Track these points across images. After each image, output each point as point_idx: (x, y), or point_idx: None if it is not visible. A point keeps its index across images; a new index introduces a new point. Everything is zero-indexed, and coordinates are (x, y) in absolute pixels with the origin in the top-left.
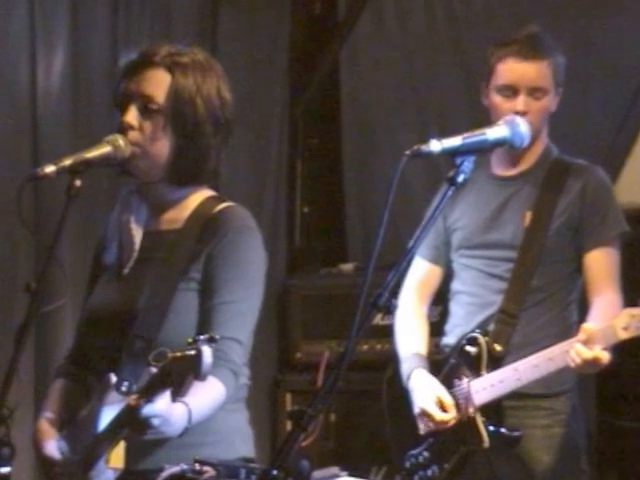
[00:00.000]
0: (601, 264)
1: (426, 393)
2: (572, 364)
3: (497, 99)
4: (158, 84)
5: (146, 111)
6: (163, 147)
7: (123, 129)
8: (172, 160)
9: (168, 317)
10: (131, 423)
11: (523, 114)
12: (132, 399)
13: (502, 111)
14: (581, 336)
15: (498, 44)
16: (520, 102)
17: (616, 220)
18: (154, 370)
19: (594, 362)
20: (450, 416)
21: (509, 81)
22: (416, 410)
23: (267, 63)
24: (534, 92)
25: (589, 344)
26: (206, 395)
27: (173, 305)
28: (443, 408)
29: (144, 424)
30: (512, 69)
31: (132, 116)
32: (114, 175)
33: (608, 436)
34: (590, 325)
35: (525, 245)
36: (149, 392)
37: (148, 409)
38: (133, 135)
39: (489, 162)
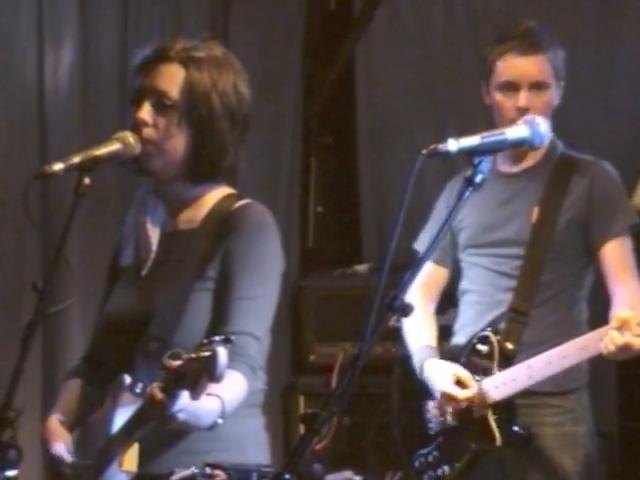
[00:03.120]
0: (618, 254)
1: (443, 377)
2: (605, 351)
3: (499, 97)
4: (172, 79)
5: (160, 107)
6: (178, 144)
7: (137, 126)
8: (188, 157)
9: (183, 319)
10: (155, 417)
11: (525, 110)
12: (155, 392)
13: (505, 109)
14: (615, 323)
15: (495, 41)
16: (522, 98)
17: (627, 212)
18: (168, 371)
19: (626, 348)
20: (473, 391)
21: (510, 78)
22: (437, 396)
23: (281, 60)
24: (535, 87)
25: (622, 331)
26: (235, 388)
27: (189, 306)
28: (463, 385)
29: (169, 419)
30: (512, 65)
31: (146, 112)
32: (124, 173)
33: (629, 440)
34: (624, 312)
35: (533, 241)
36: (167, 390)
37: (172, 405)
38: (147, 132)
39: (494, 159)
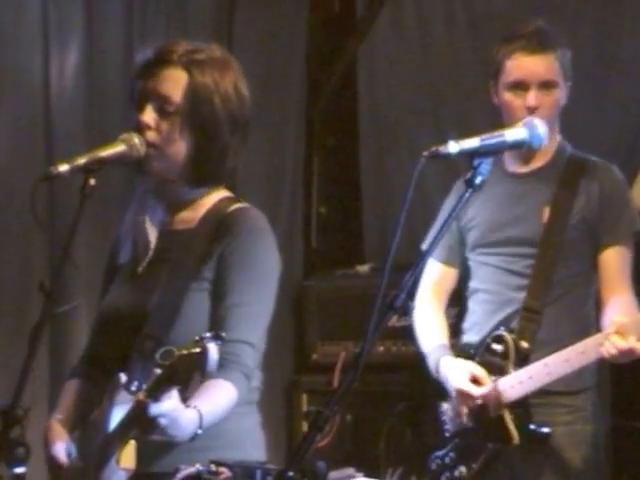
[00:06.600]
0: (615, 263)
1: (458, 374)
2: (606, 355)
3: (508, 96)
4: (175, 84)
5: (163, 111)
6: (180, 148)
7: (140, 129)
8: (190, 160)
9: (179, 317)
10: (139, 422)
11: (535, 109)
12: (140, 396)
13: (514, 108)
14: (613, 328)
15: (503, 41)
16: (531, 97)
17: (631, 219)
18: (160, 368)
19: (630, 352)
20: (488, 388)
21: (519, 77)
22: (453, 394)
23: (284, 62)
24: (544, 86)
25: (623, 335)
26: (218, 399)
27: (184, 305)
28: (478, 383)
29: (151, 423)
30: (521, 64)
31: (149, 116)
32: (129, 174)
33: (622, 437)
34: (621, 318)
35: (545, 240)
36: (156, 390)
37: (155, 408)
38: (150, 135)
39: (502, 159)
